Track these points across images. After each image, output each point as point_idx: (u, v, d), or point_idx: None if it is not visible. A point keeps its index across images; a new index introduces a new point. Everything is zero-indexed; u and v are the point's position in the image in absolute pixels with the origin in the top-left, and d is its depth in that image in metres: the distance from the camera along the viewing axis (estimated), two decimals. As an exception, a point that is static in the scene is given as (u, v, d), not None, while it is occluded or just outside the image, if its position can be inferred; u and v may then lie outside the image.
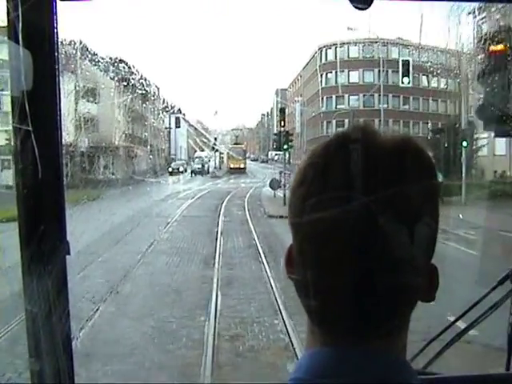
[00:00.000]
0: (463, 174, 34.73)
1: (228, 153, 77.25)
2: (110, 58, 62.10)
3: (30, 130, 1.90)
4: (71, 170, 50.24)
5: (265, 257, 18.37)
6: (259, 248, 20.09)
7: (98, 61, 57.96)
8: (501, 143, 44.48)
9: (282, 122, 35.77)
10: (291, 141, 36.69)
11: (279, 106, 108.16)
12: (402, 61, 38.92)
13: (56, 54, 1.95)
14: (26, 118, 1.90)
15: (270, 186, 36.38)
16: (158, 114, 79.85)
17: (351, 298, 1.02)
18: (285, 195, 33.61)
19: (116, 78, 60.80)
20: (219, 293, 14.58)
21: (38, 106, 1.93)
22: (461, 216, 23.68)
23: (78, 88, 45.95)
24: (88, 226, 14.55)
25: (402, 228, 1.03)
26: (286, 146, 36.01)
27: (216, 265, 17.57)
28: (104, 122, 53.28)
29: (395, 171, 1.05)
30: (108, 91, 57.10)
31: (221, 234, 23.73)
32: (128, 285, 15.18)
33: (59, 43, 1.96)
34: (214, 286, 15.14)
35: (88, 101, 49.97)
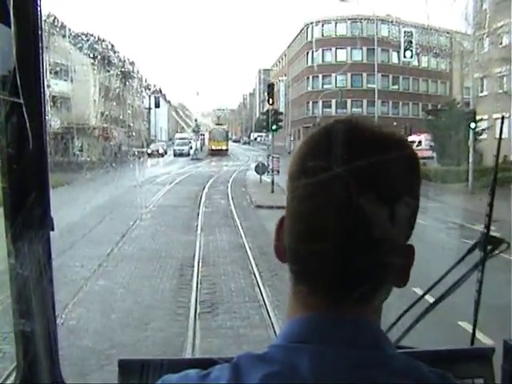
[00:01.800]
0: (470, 159, 30.95)
1: (209, 134, 73.15)
2: (86, 35, 57.97)
3: (18, 103, 1.88)
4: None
5: (256, 265, 14.22)
6: (248, 251, 16.01)
7: (72, 36, 53.17)
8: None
9: (271, 100, 31.59)
10: (280, 120, 32.56)
11: (262, 85, 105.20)
12: (405, 32, 34.72)
13: (39, 31, 1.93)
14: (11, 93, 1.88)
15: (256, 171, 32.38)
16: (138, 94, 75.56)
17: (330, 267, 1.10)
18: (273, 181, 29.79)
19: (92, 56, 56.60)
20: (197, 337, 10.07)
21: (23, 81, 1.90)
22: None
23: (48, 64, 41.93)
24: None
25: (380, 206, 1.09)
26: (274, 127, 31.87)
27: (194, 279, 13.43)
28: (78, 101, 49.21)
29: (379, 155, 1.10)
30: (83, 69, 52.97)
31: (201, 230, 19.64)
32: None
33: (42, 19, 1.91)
34: (191, 319, 10.74)
35: (60, 78, 45.53)
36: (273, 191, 29.40)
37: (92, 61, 55.95)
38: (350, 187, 1.08)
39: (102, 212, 21.28)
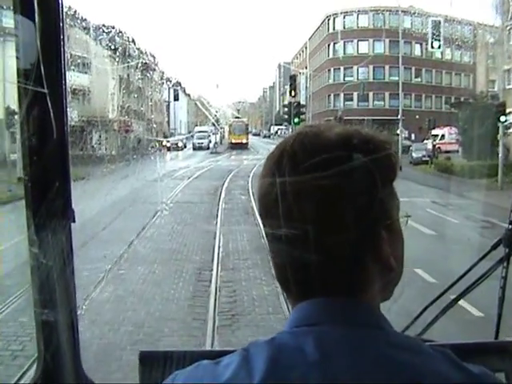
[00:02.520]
0: (500, 154, 29.50)
1: (229, 127, 71.44)
2: (106, 27, 56.89)
3: (40, 95, 1.88)
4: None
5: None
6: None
7: (92, 29, 52.18)
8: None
9: (293, 92, 30.20)
10: (303, 113, 31.23)
11: (282, 78, 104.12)
12: (432, 22, 33.16)
13: (61, 23, 1.94)
14: (33, 85, 1.88)
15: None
16: (157, 86, 74.46)
17: (322, 260, 1.15)
18: None
19: (111, 48, 55.60)
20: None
21: (45, 73, 1.90)
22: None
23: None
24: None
25: (349, 203, 1.15)
26: (296, 120, 30.50)
27: (213, 285, 12.19)
28: (96, 93, 48.30)
29: (340, 157, 1.16)
30: (101, 61, 52.07)
31: (220, 227, 18.48)
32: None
33: (64, 12, 1.94)
34: (209, 338, 9.41)
35: (79, 71, 44.53)
36: None
37: (111, 53, 54.96)
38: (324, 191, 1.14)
39: (118, 208, 20.20)
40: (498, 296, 2.30)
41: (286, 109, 30.85)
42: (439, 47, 33.86)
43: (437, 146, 44.24)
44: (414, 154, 43.84)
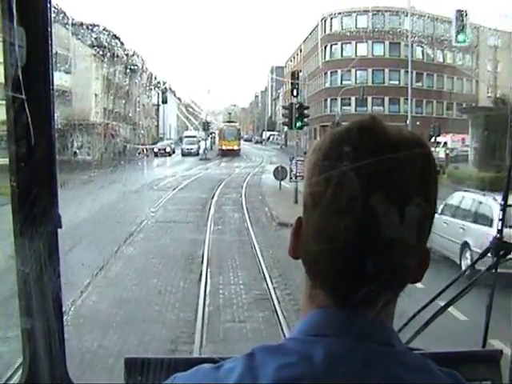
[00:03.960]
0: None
1: (219, 132, 66.56)
2: (90, 25, 52.31)
3: (25, 100, 1.87)
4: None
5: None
6: (277, 307, 10.32)
7: (73, 25, 47.27)
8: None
9: (295, 91, 25.53)
10: (306, 116, 26.73)
11: (274, 83, 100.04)
12: (457, 11, 28.60)
13: (49, 28, 1.93)
14: (20, 91, 1.87)
15: (275, 176, 26.54)
16: (146, 90, 69.79)
17: (341, 267, 1.11)
18: (297, 190, 23.91)
19: (95, 47, 51.09)
20: None
21: (32, 78, 1.90)
22: None
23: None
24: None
25: (391, 208, 1.08)
26: (299, 123, 26.00)
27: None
28: (79, 95, 43.73)
29: (392, 157, 1.10)
30: (84, 60, 47.55)
31: (208, 264, 13.84)
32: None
33: (52, 18, 1.91)
34: None
35: (57, 69, 39.44)
36: (297, 201, 23.74)
37: (94, 52, 50.51)
38: (363, 189, 1.08)
39: (83, 229, 15.62)
40: (486, 304, 2.26)
41: (286, 111, 26.07)
42: (464, 41, 29.33)
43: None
44: (421, 163, 39.48)
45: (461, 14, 27.88)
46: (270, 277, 12.58)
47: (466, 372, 1.29)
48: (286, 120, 26.09)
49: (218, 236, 17.36)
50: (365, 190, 1.08)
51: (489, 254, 2.27)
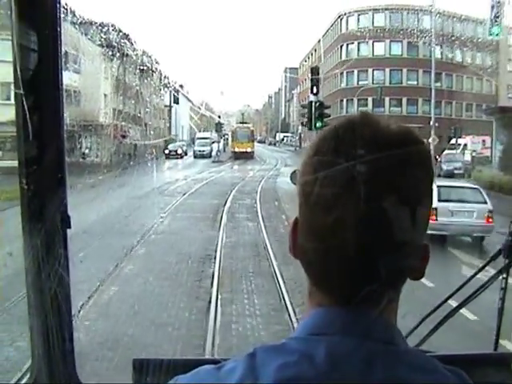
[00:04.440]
0: None
1: (232, 134, 64.01)
2: (100, 24, 50.39)
3: (35, 102, 1.86)
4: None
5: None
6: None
7: (82, 23, 45.32)
8: None
9: (315, 89, 23.12)
10: (327, 116, 24.50)
11: (288, 84, 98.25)
12: (494, 2, 26.25)
13: (59, 30, 1.90)
14: (31, 93, 1.86)
15: (292, 180, 24.30)
16: (157, 90, 67.81)
17: (349, 267, 1.08)
18: None
19: (104, 46, 49.13)
20: None
21: (43, 81, 1.89)
22: None
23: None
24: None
25: (401, 209, 1.07)
26: (319, 124, 23.56)
27: None
28: (88, 95, 41.79)
29: (397, 158, 1.08)
30: (94, 60, 45.63)
31: (217, 289, 11.62)
32: None
33: (62, 20, 1.88)
34: None
35: (66, 69, 37.31)
36: None
37: (104, 51, 48.56)
38: (348, 185, 1.06)
39: (77, 243, 13.26)
40: (498, 307, 2.24)
41: (304, 110, 23.78)
42: (497, 34, 27.14)
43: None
44: (444, 166, 37.56)
45: (497, 4, 25.54)
46: (291, 305, 10.40)
47: (477, 375, 1.24)
48: (305, 120, 23.87)
49: (231, 251, 15.19)
50: (350, 186, 1.05)
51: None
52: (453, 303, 2.29)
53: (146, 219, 19.65)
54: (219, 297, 11.01)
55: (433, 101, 41.81)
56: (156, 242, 16.20)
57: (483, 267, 2.32)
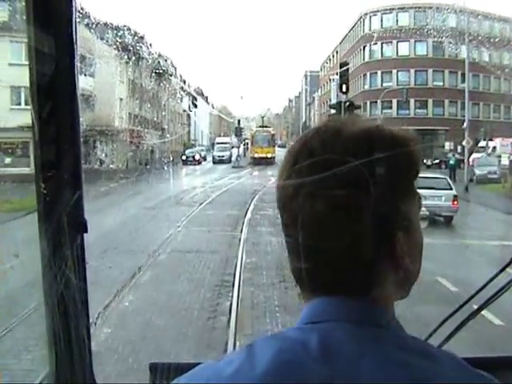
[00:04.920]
0: None
1: (251, 138, 59.46)
2: (116, 27, 48.28)
3: (54, 107, 1.84)
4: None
5: None
6: None
7: (96, 25, 43.46)
8: None
9: (344, 87, 20.38)
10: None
11: (308, 87, 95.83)
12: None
13: (75, 36, 1.87)
14: (48, 99, 1.84)
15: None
16: (175, 94, 65.63)
17: (332, 261, 1.11)
18: None
19: (119, 49, 47.00)
20: None
21: (59, 86, 1.85)
22: None
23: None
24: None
25: (376, 202, 1.10)
26: None
27: None
28: (103, 99, 39.84)
29: (366, 153, 1.11)
30: (109, 63, 43.41)
31: (235, 332, 9.09)
32: None
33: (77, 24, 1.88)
34: None
35: (80, 73, 35.17)
36: None
37: (119, 54, 46.40)
38: (300, 188, 1.11)
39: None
40: None
41: (333, 110, 20.98)
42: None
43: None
44: (477, 171, 35.17)
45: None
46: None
47: (502, 378, 1.22)
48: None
49: (252, 275, 12.74)
50: (301, 189, 1.10)
51: None
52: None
53: (157, 234, 17.41)
54: (237, 344, 8.59)
55: (467, 101, 39.01)
56: (165, 264, 13.86)
57: (504, 268, 2.11)
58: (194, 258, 14.37)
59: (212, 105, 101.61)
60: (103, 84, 40.51)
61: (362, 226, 1.09)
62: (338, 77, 69.93)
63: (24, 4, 1.81)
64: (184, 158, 52.67)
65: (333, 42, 77.15)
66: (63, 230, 1.88)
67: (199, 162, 54.26)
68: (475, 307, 2.14)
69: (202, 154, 59.78)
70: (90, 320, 2.05)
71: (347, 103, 20.94)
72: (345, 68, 21.72)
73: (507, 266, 2.17)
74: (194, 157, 53.68)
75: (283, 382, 1.06)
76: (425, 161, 51.68)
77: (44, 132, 1.84)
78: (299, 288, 1.19)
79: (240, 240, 16.73)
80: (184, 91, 68.24)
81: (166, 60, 59.76)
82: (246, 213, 22.19)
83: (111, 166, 40.85)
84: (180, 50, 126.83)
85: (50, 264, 1.89)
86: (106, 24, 46.26)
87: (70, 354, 1.97)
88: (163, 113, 57.82)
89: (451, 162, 38.16)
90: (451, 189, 20.82)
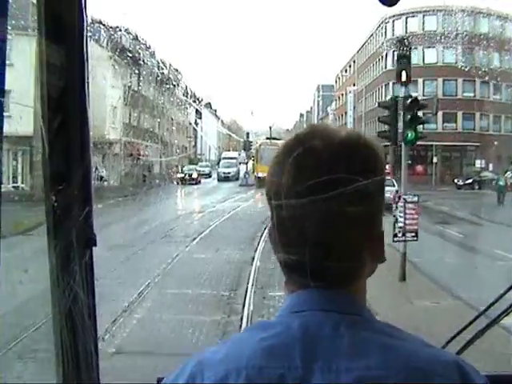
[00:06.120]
0: None
1: (256, 153, 46.62)
2: (113, 27, 41.60)
3: (64, 121, 1.83)
4: (27, 173, 32.11)
5: None
6: None
7: (90, 22, 35.59)
8: None
9: (403, 74, 13.11)
10: (424, 122, 14.87)
11: (321, 101, 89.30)
12: None
13: (86, 48, 1.85)
14: (59, 111, 1.83)
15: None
16: (181, 105, 58.79)
17: (316, 257, 1.17)
18: (405, 255, 12.35)
19: (114, 49, 40.29)
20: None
21: (68, 102, 1.84)
22: None
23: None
24: None
25: (355, 207, 1.17)
26: (411, 135, 13.50)
27: None
28: (91, 106, 31.86)
29: (342, 162, 1.18)
30: (98, 65, 36.10)
31: None
32: None
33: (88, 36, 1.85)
34: None
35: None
36: (404, 278, 12.32)
37: (112, 55, 39.67)
38: (283, 187, 1.18)
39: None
40: None
41: (385, 111, 14.14)
42: None
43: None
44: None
45: None
46: None
47: None
48: (385, 129, 14.35)
49: None
50: (284, 188, 1.17)
51: None
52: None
53: (112, 302, 10.44)
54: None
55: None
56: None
57: None
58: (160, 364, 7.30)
59: (221, 120, 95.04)
60: (93, 89, 33.52)
61: (354, 226, 1.16)
62: (353, 88, 63.05)
63: (36, 17, 1.76)
64: (179, 176, 44.42)
65: (345, 54, 70.53)
66: (72, 244, 1.83)
67: (196, 182, 45.61)
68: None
69: (207, 170, 52.79)
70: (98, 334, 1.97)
71: (409, 99, 13.91)
72: (405, 46, 14.63)
73: None
74: (191, 175, 45.67)
75: (269, 364, 1.11)
76: (456, 180, 45.11)
77: (54, 145, 1.80)
78: (285, 278, 1.25)
79: (242, 316, 9.78)
80: (189, 103, 61.26)
81: (170, 67, 52.91)
82: (254, 256, 15.17)
83: (101, 182, 34.30)
84: (190, 63, 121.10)
85: (58, 278, 1.84)
86: (100, 22, 39.78)
87: (78, 367, 1.90)
88: (166, 125, 51.07)
89: (500, 183, 31.62)
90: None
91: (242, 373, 1.11)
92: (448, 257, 15.81)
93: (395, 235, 12.63)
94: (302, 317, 1.17)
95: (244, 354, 1.12)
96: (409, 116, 14.06)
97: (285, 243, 1.21)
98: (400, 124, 14.41)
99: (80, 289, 1.88)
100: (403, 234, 12.69)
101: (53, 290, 1.90)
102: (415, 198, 12.99)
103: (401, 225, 12.65)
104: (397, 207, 12.69)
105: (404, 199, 12.70)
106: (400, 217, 12.66)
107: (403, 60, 14.44)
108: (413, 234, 12.82)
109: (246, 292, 11.78)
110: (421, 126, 15.12)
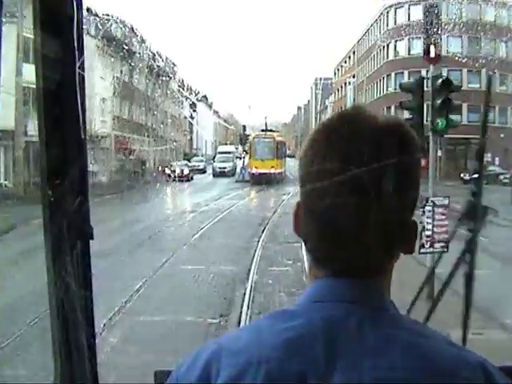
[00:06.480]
0: None
1: (250, 146, 43.76)
2: (103, 15, 39.22)
3: (60, 116, 1.80)
4: (9, 171, 30.41)
5: None
6: None
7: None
8: None
9: (432, 50, 10.88)
10: (456, 109, 12.36)
11: (319, 94, 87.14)
12: None
13: (82, 40, 1.80)
14: (56, 106, 1.79)
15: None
16: (176, 98, 56.61)
17: (346, 244, 1.14)
18: (433, 272, 10.02)
19: (104, 39, 38.01)
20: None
21: (64, 95, 1.79)
22: None
23: (22, 43, 26.47)
24: None
25: (393, 194, 1.13)
26: (442, 122, 11.17)
27: None
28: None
29: (385, 147, 1.14)
30: (88, 56, 33.65)
31: None
32: None
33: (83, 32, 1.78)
34: None
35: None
36: (432, 298, 9.59)
37: (100, 44, 37.36)
38: (337, 173, 1.12)
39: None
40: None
41: (409, 95, 11.88)
42: None
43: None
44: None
45: None
46: None
47: None
48: (411, 115, 11.93)
49: None
50: (339, 174, 1.11)
51: None
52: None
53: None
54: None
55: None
56: None
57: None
58: None
59: (218, 113, 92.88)
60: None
61: (383, 216, 1.11)
62: (353, 79, 60.56)
63: (31, 10, 1.76)
64: (168, 172, 41.46)
65: (344, 46, 68.38)
66: (68, 237, 1.82)
67: (188, 179, 42.17)
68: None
69: (201, 165, 50.38)
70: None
71: (439, 80, 11.51)
72: (434, 15, 12.17)
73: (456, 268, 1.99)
74: (182, 171, 42.05)
75: (291, 357, 1.07)
76: (462, 175, 42.91)
77: (50, 138, 1.80)
78: (310, 265, 1.21)
79: None
80: (184, 96, 58.99)
81: (165, 59, 50.63)
82: (250, 268, 12.81)
83: (91, 179, 32.05)
84: (187, 57, 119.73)
85: (55, 271, 1.83)
86: (88, 10, 37.37)
87: (76, 365, 1.89)
88: (159, 118, 48.73)
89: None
90: None
91: (262, 365, 1.06)
92: (477, 267, 13.46)
93: (422, 245, 10.20)
94: (324, 309, 1.13)
95: (264, 346, 1.08)
96: (439, 100, 11.60)
97: (313, 230, 1.16)
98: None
99: (75, 283, 1.83)
100: (431, 245, 10.30)
101: (49, 284, 1.84)
102: (446, 201, 10.45)
103: (429, 233, 10.25)
104: (424, 212, 10.27)
105: (433, 202, 10.30)
106: (428, 223, 10.26)
107: (431, 31, 12.01)
108: (442, 244, 10.40)
109: (240, 319, 9.39)
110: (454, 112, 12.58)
